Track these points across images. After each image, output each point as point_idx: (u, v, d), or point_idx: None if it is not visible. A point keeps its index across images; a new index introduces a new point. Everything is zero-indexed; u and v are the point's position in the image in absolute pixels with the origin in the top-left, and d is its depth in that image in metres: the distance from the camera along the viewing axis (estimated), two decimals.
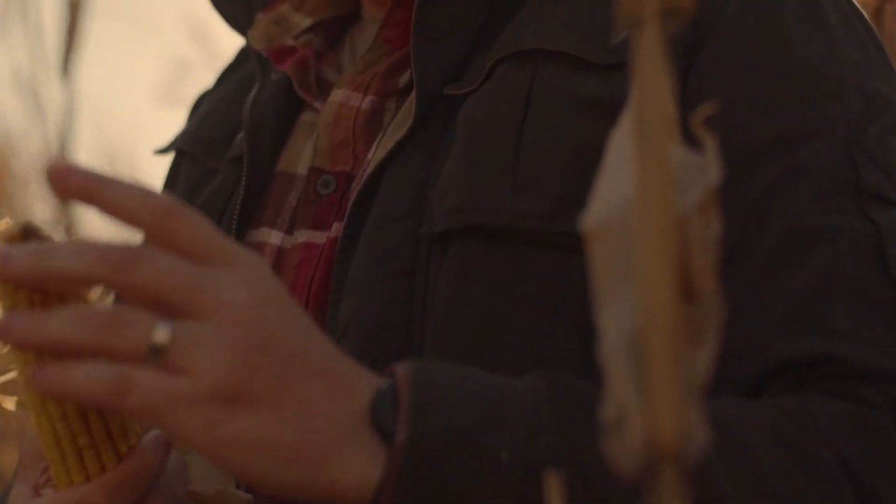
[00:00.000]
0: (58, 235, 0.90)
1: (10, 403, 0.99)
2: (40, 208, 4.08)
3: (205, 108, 1.28)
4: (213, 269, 0.84)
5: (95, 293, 0.90)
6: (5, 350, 0.94)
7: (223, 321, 0.83)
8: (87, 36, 3.48)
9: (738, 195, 1.00)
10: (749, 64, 1.03)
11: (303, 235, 1.11)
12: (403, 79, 1.12)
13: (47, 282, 0.84)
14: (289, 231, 1.13)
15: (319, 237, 1.10)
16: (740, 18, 1.04)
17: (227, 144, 1.22)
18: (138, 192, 0.84)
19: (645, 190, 0.59)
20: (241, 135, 1.19)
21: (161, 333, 0.82)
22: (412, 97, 1.08)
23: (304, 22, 1.21)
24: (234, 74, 1.30)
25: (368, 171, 1.08)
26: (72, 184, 0.83)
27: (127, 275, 0.82)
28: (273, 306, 0.85)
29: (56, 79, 3.71)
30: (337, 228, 1.09)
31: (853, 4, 1.10)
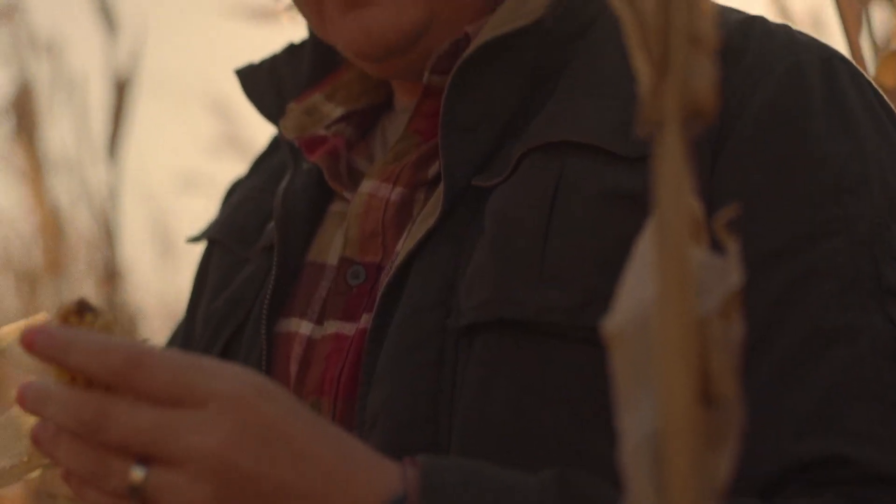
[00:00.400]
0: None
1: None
2: (88, 284, 4.13)
3: (237, 197, 1.29)
4: (183, 413, 0.89)
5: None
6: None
7: (191, 470, 0.88)
8: (133, 116, 3.50)
9: (759, 292, 1.00)
10: (771, 161, 1.03)
11: (333, 326, 1.11)
12: (433, 170, 1.13)
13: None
14: (319, 321, 1.13)
15: (349, 328, 1.10)
16: (764, 114, 1.04)
17: (259, 233, 1.22)
18: (97, 351, 0.89)
19: (664, 293, 0.59)
20: (272, 224, 1.19)
21: (136, 478, 0.89)
22: (441, 188, 1.09)
23: (336, 111, 1.22)
24: (267, 163, 1.31)
25: (397, 262, 1.08)
26: (37, 345, 0.91)
27: (95, 434, 0.89)
28: (247, 444, 0.88)
29: (102, 159, 3.74)
30: (366, 319, 1.09)
31: (881, 95, 1.10)
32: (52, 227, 3.98)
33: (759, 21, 1.10)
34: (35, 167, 3.90)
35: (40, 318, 0.97)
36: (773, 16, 2.13)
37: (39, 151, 3.91)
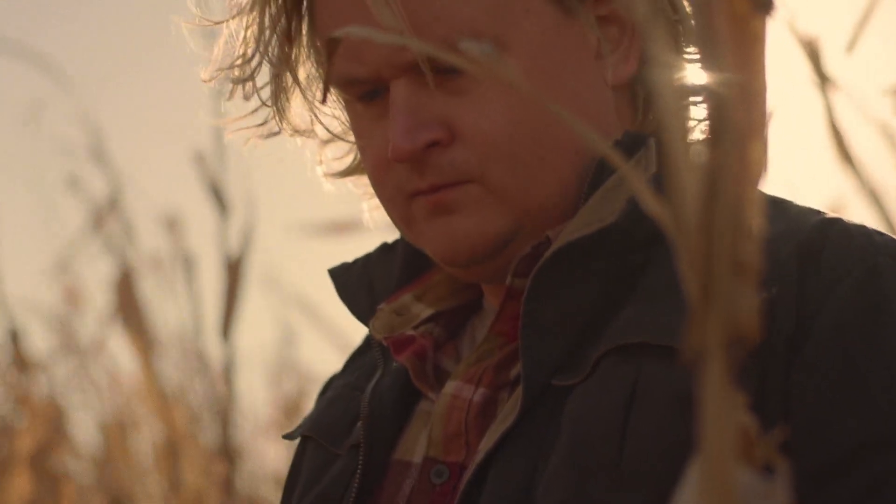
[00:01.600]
0: None
1: None
2: (201, 454, 4.19)
3: (331, 393, 1.32)
4: None
5: None
6: None
7: None
8: (246, 296, 3.57)
9: (842, 491, 1.00)
10: (850, 362, 1.03)
11: None
12: (514, 371, 1.15)
13: None
14: None
15: None
16: (841, 317, 1.05)
17: (349, 431, 1.25)
18: None
19: None
20: (360, 423, 1.22)
21: None
22: (521, 388, 1.10)
23: (425, 312, 1.25)
24: (360, 360, 1.33)
25: (476, 462, 1.10)
26: None
27: None
28: None
29: (216, 337, 3.80)
30: None
31: None
32: (163, 406, 4.05)
33: (837, 222, 1.11)
34: (144, 350, 3.98)
35: None
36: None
37: (148, 334, 3.99)
